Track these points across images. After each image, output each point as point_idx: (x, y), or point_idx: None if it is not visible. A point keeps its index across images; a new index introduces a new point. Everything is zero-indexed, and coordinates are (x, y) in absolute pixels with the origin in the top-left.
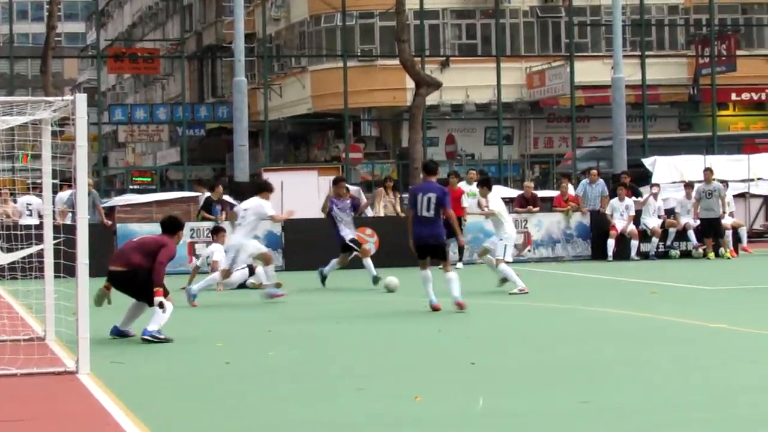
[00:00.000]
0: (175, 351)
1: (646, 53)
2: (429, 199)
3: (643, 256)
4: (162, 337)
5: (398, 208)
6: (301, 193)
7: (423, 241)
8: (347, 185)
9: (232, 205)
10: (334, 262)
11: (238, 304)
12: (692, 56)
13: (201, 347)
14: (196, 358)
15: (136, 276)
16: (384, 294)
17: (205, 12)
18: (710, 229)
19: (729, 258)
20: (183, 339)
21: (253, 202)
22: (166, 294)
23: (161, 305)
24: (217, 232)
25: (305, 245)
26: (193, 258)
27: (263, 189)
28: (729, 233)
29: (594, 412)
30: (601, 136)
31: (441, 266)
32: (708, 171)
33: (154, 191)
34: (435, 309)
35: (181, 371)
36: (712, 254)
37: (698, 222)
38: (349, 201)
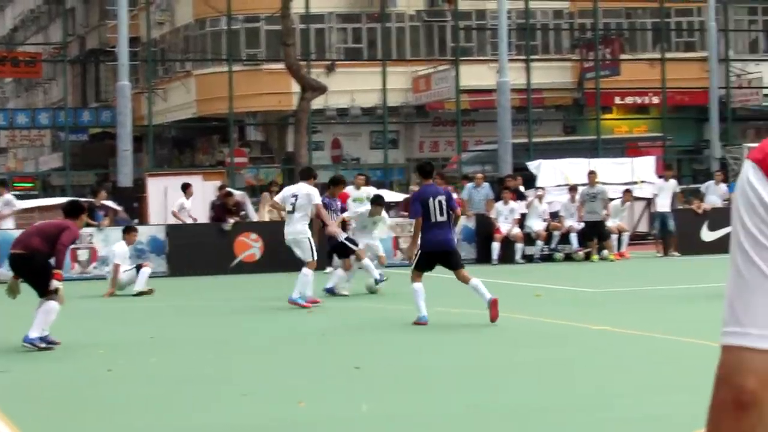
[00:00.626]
0: (57, 358)
1: (531, 57)
2: (440, 203)
3: (528, 259)
4: (43, 346)
5: (283, 213)
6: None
7: (438, 247)
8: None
9: (115, 211)
10: (339, 273)
11: (124, 310)
12: (577, 60)
13: (84, 354)
14: (78, 365)
15: (33, 259)
16: (269, 299)
17: (89, 16)
18: (594, 232)
19: (612, 260)
20: (66, 346)
21: (303, 189)
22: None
23: (56, 291)
24: (128, 231)
25: (190, 250)
26: (75, 264)
27: (311, 175)
28: (615, 236)
29: (479, 415)
30: (487, 140)
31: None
32: (592, 174)
33: (36, 197)
34: (422, 324)
35: (63, 379)
36: (596, 257)
37: (582, 225)
38: (339, 203)
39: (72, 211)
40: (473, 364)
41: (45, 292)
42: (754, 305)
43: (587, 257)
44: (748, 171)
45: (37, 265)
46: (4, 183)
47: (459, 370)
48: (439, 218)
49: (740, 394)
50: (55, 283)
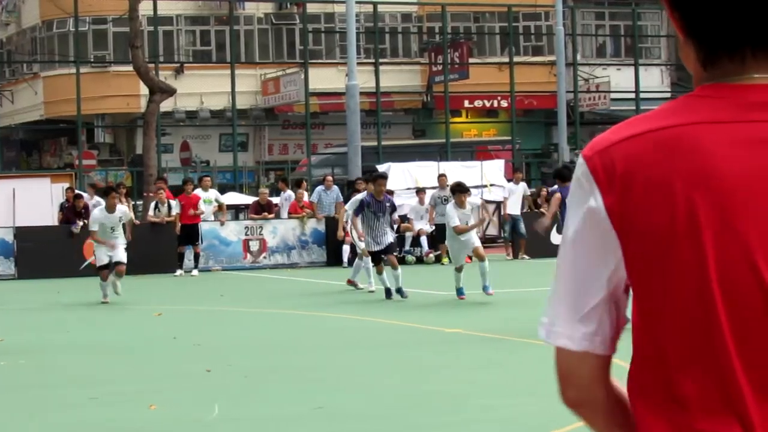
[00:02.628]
0: None
1: (380, 60)
2: None
3: (418, 260)
4: None
5: (132, 215)
6: (33, 200)
7: None
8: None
9: None
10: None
11: None
12: (426, 64)
13: None
14: None
15: None
16: (109, 303)
17: None
18: (445, 235)
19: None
20: None
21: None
22: None
23: None
24: None
25: (38, 252)
26: None
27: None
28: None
29: (326, 418)
30: (337, 143)
31: None
32: (443, 177)
33: None
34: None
35: None
36: (446, 259)
37: (433, 227)
38: (388, 202)
39: None
40: (319, 367)
41: None
42: (558, 302)
43: (438, 260)
44: (579, 166)
45: None
46: None
47: (306, 374)
48: None
49: (566, 399)
50: None
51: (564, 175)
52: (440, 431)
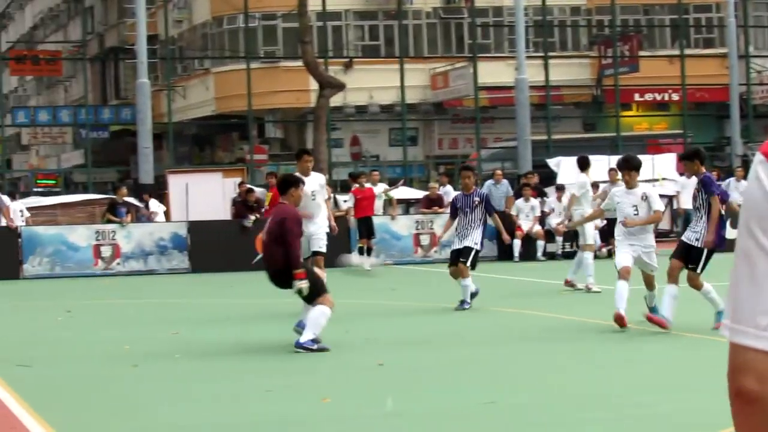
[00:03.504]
0: (82, 354)
1: (549, 54)
2: None
3: (550, 256)
4: (315, 348)
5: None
6: (205, 194)
7: None
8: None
9: (137, 207)
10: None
11: (146, 307)
12: (595, 57)
13: (108, 350)
14: (103, 361)
15: (285, 271)
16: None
17: (107, 14)
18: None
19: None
20: (91, 342)
21: (580, 178)
22: (313, 279)
23: (300, 292)
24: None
25: (211, 246)
26: (99, 261)
27: (587, 165)
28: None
29: (497, 412)
30: (506, 137)
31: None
32: (613, 171)
33: (59, 194)
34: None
35: (88, 374)
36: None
37: (605, 222)
38: (477, 196)
39: (282, 186)
40: (493, 361)
41: (310, 300)
42: (750, 303)
43: (609, 255)
44: (758, 165)
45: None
46: None
47: (480, 368)
48: None
49: (742, 391)
50: (298, 284)
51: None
52: (614, 426)
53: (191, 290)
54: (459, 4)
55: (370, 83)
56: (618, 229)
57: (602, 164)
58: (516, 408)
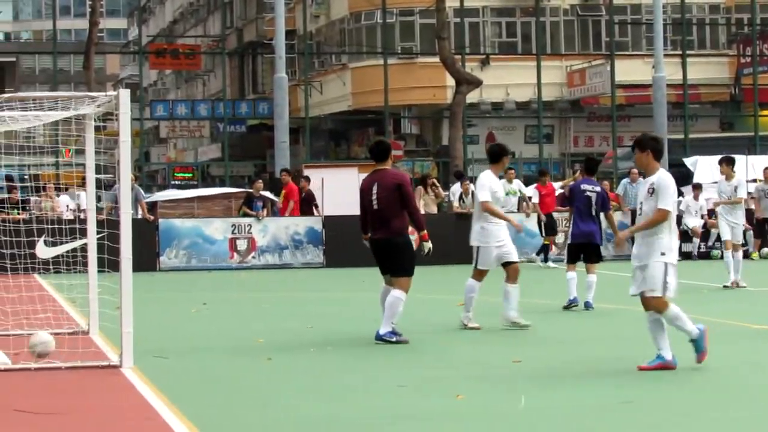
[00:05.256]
0: (216, 346)
1: (687, 52)
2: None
3: (685, 256)
4: (394, 340)
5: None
6: (341, 189)
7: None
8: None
9: (272, 201)
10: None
11: (279, 301)
12: (734, 55)
13: (243, 343)
14: (237, 353)
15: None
16: (423, 291)
17: (246, 9)
18: (762, 229)
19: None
20: (226, 334)
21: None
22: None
23: (429, 251)
24: None
25: (346, 241)
26: (234, 254)
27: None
28: None
29: (633, 411)
30: None
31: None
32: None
33: (195, 187)
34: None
35: (223, 366)
36: (756, 254)
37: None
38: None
39: (381, 152)
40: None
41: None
42: None
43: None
44: None
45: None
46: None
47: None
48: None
49: None
50: (427, 245)
51: None
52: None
53: (326, 284)
54: (597, 2)
55: (507, 80)
56: None
57: (739, 164)
58: (653, 405)
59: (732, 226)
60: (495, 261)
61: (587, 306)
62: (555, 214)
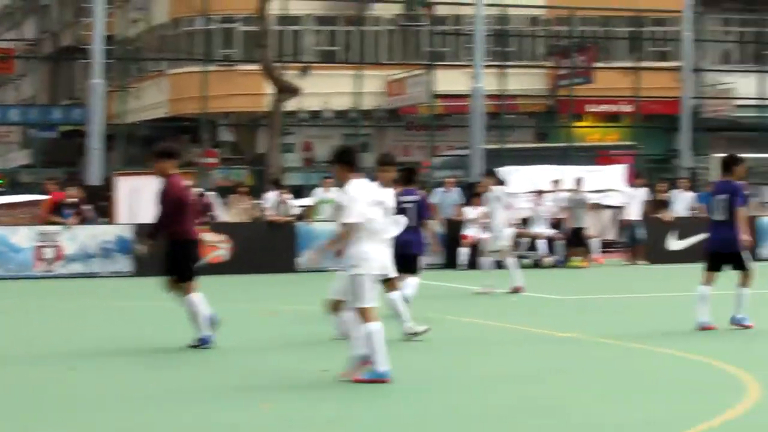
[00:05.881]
0: (16, 356)
1: (506, 63)
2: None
3: (496, 264)
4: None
5: (255, 213)
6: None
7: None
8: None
9: (83, 209)
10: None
11: (87, 309)
12: (551, 67)
13: (43, 352)
14: (38, 363)
15: None
16: (238, 301)
17: (63, 13)
18: (577, 238)
19: (582, 267)
20: (28, 344)
21: None
22: None
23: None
24: None
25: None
26: (41, 262)
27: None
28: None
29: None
30: (459, 145)
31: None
32: (578, 181)
33: (4, 194)
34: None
35: (23, 376)
36: (576, 261)
37: (553, 231)
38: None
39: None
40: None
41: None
42: None
43: (561, 264)
44: None
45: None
46: None
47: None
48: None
49: None
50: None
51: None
52: None
53: (134, 293)
54: (419, 12)
55: (326, 89)
56: None
57: (553, 174)
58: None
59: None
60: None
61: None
62: None
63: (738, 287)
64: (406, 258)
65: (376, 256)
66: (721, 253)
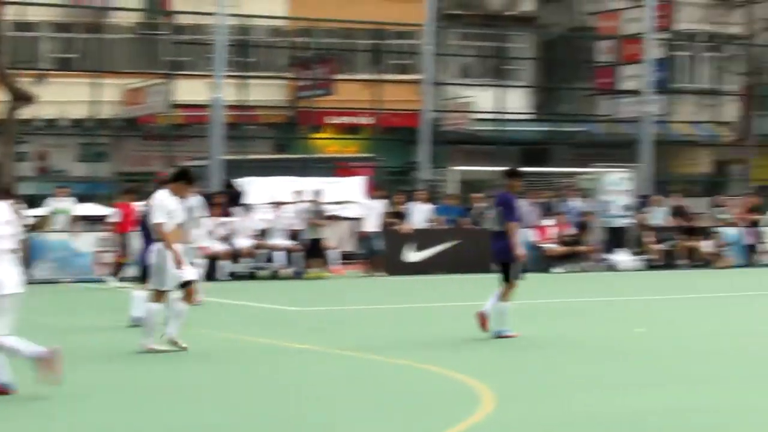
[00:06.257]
0: None
1: (247, 74)
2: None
3: (234, 276)
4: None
5: None
6: None
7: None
8: None
9: None
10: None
11: None
12: (292, 79)
13: None
14: None
15: None
16: None
17: None
18: (315, 249)
19: (327, 277)
20: None
21: None
22: None
23: None
24: None
25: None
26: None
27: None
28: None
29: None
30: (199, 156)
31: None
32: (317, 193)
33: None
34: None
35: None
36: (314, 273)
37: (291, 242)
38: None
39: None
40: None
41: None
42: None
43: (299, 275)
44: None
45: None
46: None
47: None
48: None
49: None
50: None
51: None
52: None
53: None
54: (159, 21)
55: (63, 97)
56: None
57: (293, 185)
58: None
59: None
60: (172, 281)
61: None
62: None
63: (496, 298)
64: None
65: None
66: (496, 261)
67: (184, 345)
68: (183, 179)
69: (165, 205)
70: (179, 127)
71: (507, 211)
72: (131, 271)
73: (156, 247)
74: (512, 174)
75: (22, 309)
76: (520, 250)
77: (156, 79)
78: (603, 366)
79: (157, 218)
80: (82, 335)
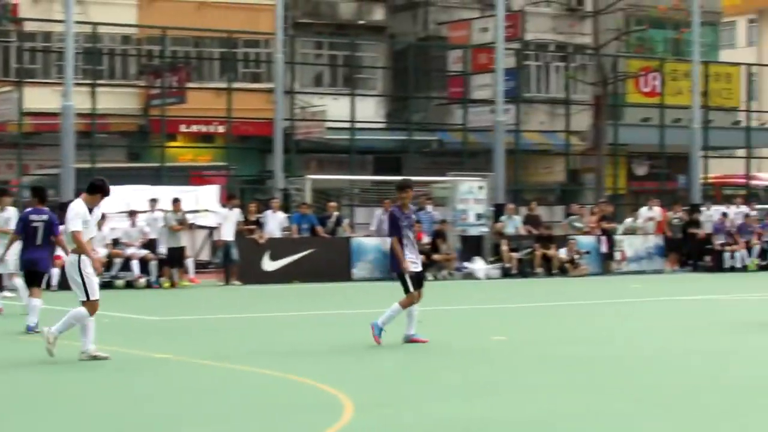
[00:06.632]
0: None
1: (98, 82)
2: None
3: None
4: None
5: None
6: None
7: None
8: None
9: None
10: (396, 307)
11: None
12: (144, 87)
13: None
14: None
15: None
16: None
17: None
18: (176, 258)
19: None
20: None
21: None
22: None
23: None
24: None
25: None
26: None
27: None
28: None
29: None
30: (51, 164)
31: None
32: (177, 202)
33: None
34: None
35: None
36: (168, 283)
37: (145, 252)
38: (413, 215)
39: None
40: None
41: None
42: None
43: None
44: None
45: None
46: None
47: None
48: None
49: None
50: None
51: None
52: None
53: None
54: (7, 27)
55: None
56: None
57: (146, 194)
58: None
59: None
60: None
61: (29, 330)
62: None
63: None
64: (35, 274)
65: None
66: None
67: (103, 355)
68: (100, 192)
69: (82, 214)
70: (30, 136)
71: (389, 226)
72: None
73: (70, 258)
74: (401, 187)
75: None
76: (406, 263)
77: (5, 87)
78: (464, 374)
79: (73, 226)
80: None
